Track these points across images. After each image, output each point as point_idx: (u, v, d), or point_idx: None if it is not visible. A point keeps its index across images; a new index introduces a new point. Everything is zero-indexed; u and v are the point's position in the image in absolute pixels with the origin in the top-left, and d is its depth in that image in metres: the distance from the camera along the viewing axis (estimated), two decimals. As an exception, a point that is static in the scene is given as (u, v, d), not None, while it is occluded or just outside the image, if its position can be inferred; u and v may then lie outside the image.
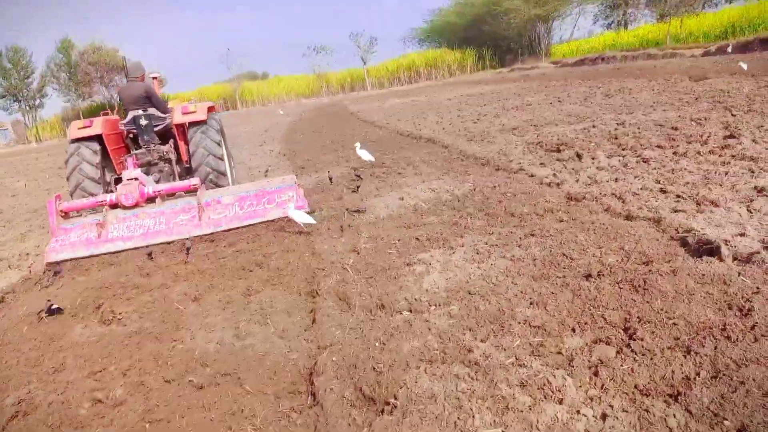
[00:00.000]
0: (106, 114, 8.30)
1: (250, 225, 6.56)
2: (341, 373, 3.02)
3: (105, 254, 6.34)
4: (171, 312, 4.42)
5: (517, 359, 2.88)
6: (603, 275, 3.70)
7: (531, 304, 3.50)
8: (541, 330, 3.15)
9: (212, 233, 6.50)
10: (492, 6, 51.38)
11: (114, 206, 6.85)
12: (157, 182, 7.69)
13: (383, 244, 5.25)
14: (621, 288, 3.46)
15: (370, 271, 4.60)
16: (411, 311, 3.70)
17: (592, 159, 7.36)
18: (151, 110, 7.89)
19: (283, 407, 2.83)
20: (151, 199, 7.04)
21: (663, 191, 5.42)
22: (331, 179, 8.89)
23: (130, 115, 7.82)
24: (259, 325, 3.85)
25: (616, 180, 6.14)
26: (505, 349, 3.00)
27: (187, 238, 6.36)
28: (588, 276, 3.75)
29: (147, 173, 7.72)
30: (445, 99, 25.05)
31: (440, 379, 2.77)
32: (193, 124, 7.88)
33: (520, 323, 3.26)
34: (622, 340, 2.91)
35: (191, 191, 7.09)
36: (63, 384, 3.42)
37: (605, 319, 3.14)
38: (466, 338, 3.19)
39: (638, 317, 3.07)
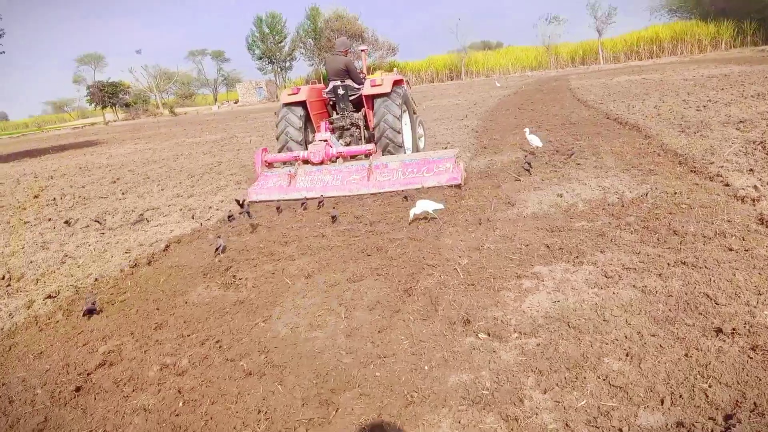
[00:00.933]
0: (315, 83, 9.59)
1: (412, 189, 7.29)
2: (369, 401, 2.79)
3: (291, 200, 7.58)
4: (280, 285, 4.53)
5: (566, 425, 2.37)
6: (737, 334, 2.88)
7: (627, 355, 2.85)
8: (620, 393, 2.55)
9: (379, 192, 7.41)
10: (764, -30, 43.82)
11: (306, 162, 8.19)
12: (348, 144, 9.00)
13: (509, 246, 4.77)
14: (751, 358, 2.65)
15: (477, 276, 4.21)
16: (489, 334, 3.28)
17: (819, 171, 5.85)
18: (348, 81, 8.96)
19: (303, 416, 2.69)
20: (336, 158, 8.32)
21: None
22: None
23: (331, 85, 9.03)
24: (337, 317, 3.75)
25: (836, 204, 4.78)
26: (561, 409, 2.49)
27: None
28: (718, 331, 2.95)
29: (341, 136, 9.15)
30: (680, 79, 22.19)
31: (462, 429, 2.39)
32: (378, 96, 8.59)
33: (599, 378, 2.68)
34: (712, 430, 2.22)
35: (368, 155, 8.12)
36: (152, 342, 3.71)
37: (707, 396, 2.42)
38: (527, 383, 2.72)
39: (754, 403, 2.32)
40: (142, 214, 7.84)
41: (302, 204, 6.93)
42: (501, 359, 2.97)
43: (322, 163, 8.12)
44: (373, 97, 8.67)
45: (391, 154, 8.49)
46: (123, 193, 10.24)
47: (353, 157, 8.49)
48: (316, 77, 58.89)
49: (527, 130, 9.49)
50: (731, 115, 10.60)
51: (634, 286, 3.70)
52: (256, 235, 6.20)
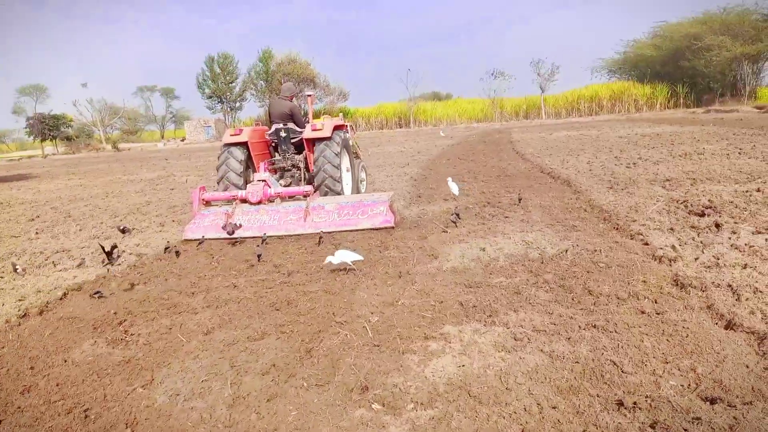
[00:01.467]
0: (258, 125, 9.72)
1: (345, 231, 7.48)
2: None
3: (227, 239, 7.57)
4: (174, 343, 4.16)
5: None
6: (638, 408, 2.72)
7: (522, 431, 2.65)
8: (509, 477, 2.33)
9: (314, 233, 7.42)
10: (693, 41, 46.73)
11: (244, 201, 8.29)
12: (288, 185, 9.09)
13: (424, 303, 4.57)
14: (648, 438, 2.49)
15: (384, 336, 3.96)
16: (384, 405, 3.02)
17: (733, 233, 5.93)
18: (291, 125, 9.20)
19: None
20: (273, 199, 8.43)
21: (801, 294, 4.08)
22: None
23: (274, 127, 9.26)
24: (224, 383, 3.40)
25: (745, 266, 4.79)
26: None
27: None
28: (620, 404, 2.79)
29: (282, 176, 9.30)
30: (615, 136, 23.05)
31: None
32: (319, 139, 8.80)
33: (489, 459, 2.46)
34: None
35: (305, 196, 8.24)
36: (11, 410, 3.28)
37: (598, 484, 2.23)
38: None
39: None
40: (47, 257, 7.30)
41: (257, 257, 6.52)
42: (388, 437, 2.71)
43: (260, 202, 8.24)
44: (314, 141, 8.86)
45: (329, 188, 8.71)
46: (36, 233, 9.60)
47: (291, 197, 8.59)
48: (265, 119, 58.77)
49: (449, 178, 9.94)
50: (659, 174, 10.91)
51: (542, 350, 3.54)
52: (163, 284, 5.80)
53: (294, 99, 9.70)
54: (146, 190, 15.91)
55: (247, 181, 8.94)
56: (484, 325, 4.04)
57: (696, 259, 5.16)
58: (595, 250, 5.67)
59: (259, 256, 6.43)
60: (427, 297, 4.74)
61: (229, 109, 68.59)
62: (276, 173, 9.38)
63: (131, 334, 4.40)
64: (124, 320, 4.71)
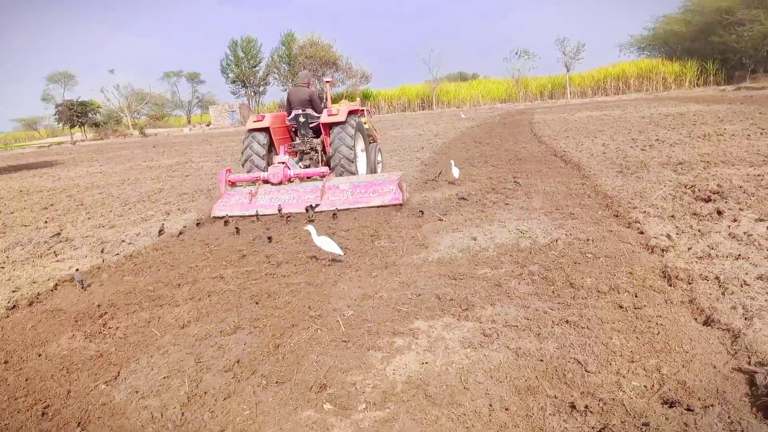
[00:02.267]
0: (281, 110, 10.38)
1: (359, 208, 8.13)
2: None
3: (252, 216, 8.26)
4: (148, 337, 4.17)
5: None
6: (590, 412, 2.63)
7: (466, 436, 2.58)
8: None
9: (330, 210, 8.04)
10: (725, 15, 45.13)
11: (266, 182, 8.97)
12: (307, 166, 9.84)
13: (402, 296, 4.51)
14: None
15: (355, 330, 3.91)
16: (335, 405, 2.97)
17: (733, 220, 5.71)
18: (309, 111, 9.82)
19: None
20: (293, 179, 9.12)
21: (789, 287, 3.90)
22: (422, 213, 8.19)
23: (294, 113, 9.86)
24: (183, 380, 3.40)
25: (738, 257, 4.60)
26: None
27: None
28: (572, 407, 2.70)
29: (301, 159, 10.01)
30: (638, 117, 22.51)
31: None
32: (334, 124, 9.47)
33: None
34: None
35: (322, 176, 8.89)
36: None
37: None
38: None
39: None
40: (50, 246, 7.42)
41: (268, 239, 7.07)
42: (329, 440, 2.67)
43: (280, 183, 8.92)
44: (330, 125, 9.54)
45: (345, 169, 9.36)
46: (45, 222, 9.77)
47: (309, 178, 9.22)
48: (285, 105, 58.84)
49: (452, 161, 10.27)
50: (673, 157, 10.60)
51: (508, 347, 3.45)
52: (153, 275, 5.84)
53: (310, 85, 10.27)
54: (162, 177, 16.10)
55: (269, 164, 9.61)
56: (457, 319, 3.96)
57: (689, 249, 4.99)
58: (588, 240, 5.52)
59: (269, 238, 6.88)
60: (407, 289, 4.67)
61: (253, 93, 68.88)
62: (296, 156, 10.05)
63: (109, 328, 4.43)
64: (105, 313, 4.75)
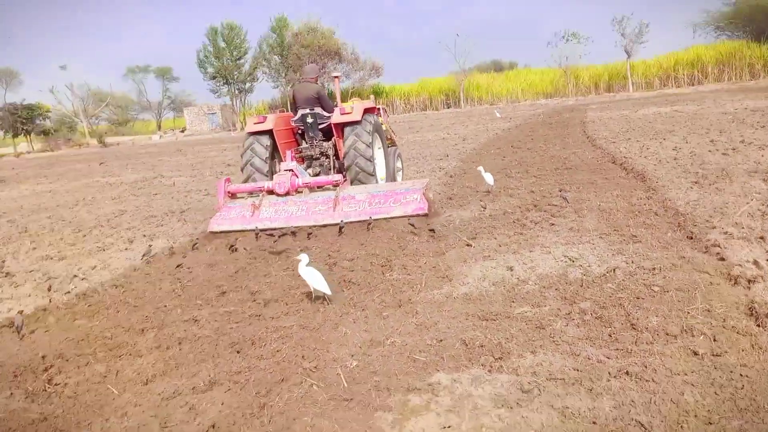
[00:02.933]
0: (282, 111, 10.64)
1: (377, 219, 8.35)
2: None
3: (253, 230, 8.60)
4: (103, 396, 4.23)
5: None
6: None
7: None
8: None
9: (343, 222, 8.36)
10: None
11: (271, 192, 9.24)
12: (317, 174, 10.07)
13: (419, 341, 4.53)
14: None
15: (360, 386, 3.93)
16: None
17: (840, 243, 5.67)
18: (318, 109, 10.05)
19: None
20: (302, 189, 9.40)
21: None
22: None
23: (300, 113, 10.10)
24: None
25: None
26: None
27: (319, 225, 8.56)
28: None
29: (310, 165, 10.25)
30: (718, 112, 22.54)
31: None
32: (348, 124, 9.65)
33: None
34: None
35: (336, 185, 9.13)
36: None
37: None
38: None
39: None
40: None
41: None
42: None
43: (287, 193, 9.18)
44: (343, 125, 9.71)
45: (361, 181, 9.60)
46: (-20, 254, 9.92)
47: (320, 187, 9.52)
48: (282, 103, 59.45)
49: (481, 168, 10.56)
50: (761, 162, 10.59)
51: (552, 406, 3.44)
52: (111, 318, 5.91)
53: (318, 80, 10.61)
54: (124, 196, 16.34)
55: (273, 172, 9.86)
56: (488, 371, 3.96)
57: (783, 279, 4.95)
58: (653, 269, 5.51)
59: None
60: (426, 333, 4.69)
61: (237, 91, 69.67)
62: (303, 162, 10.29)
63: (56, 384, 4.48)
64: (52, 366, 4.80)
